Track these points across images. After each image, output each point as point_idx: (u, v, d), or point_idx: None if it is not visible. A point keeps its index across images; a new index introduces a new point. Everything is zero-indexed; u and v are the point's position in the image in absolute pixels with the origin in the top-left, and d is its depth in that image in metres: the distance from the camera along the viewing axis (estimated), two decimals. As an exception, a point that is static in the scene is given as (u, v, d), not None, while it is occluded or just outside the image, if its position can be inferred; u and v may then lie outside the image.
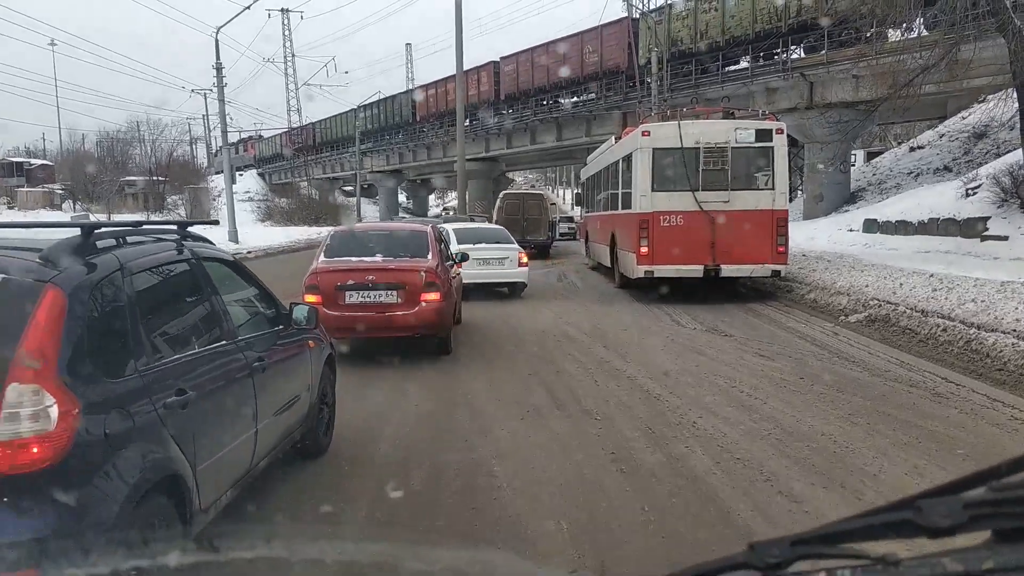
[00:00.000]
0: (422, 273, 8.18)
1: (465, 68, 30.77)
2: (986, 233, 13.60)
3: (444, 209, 56.81)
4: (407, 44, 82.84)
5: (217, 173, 61.93)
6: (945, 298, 9.34)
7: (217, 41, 33.64)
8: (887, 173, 25.20)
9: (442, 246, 9.81)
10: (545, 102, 39.02)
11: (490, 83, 41.69)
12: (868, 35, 18.38)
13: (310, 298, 7.65)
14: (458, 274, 10.72)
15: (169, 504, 2.81)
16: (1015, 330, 7.64)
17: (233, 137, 55.11)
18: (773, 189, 12.73)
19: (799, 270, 13.90)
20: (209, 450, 3.19)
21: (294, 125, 71.34)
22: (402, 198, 67.59)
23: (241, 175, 66.89)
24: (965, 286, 9.51)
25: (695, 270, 12.76)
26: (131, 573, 0.92)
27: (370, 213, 58.03)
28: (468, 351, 8.92)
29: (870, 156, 32.89)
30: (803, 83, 24.63)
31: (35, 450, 2.36)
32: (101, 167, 57.16)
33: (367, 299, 8.10)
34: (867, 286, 11.30)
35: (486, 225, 18.94)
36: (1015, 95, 13.77)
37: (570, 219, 39.36)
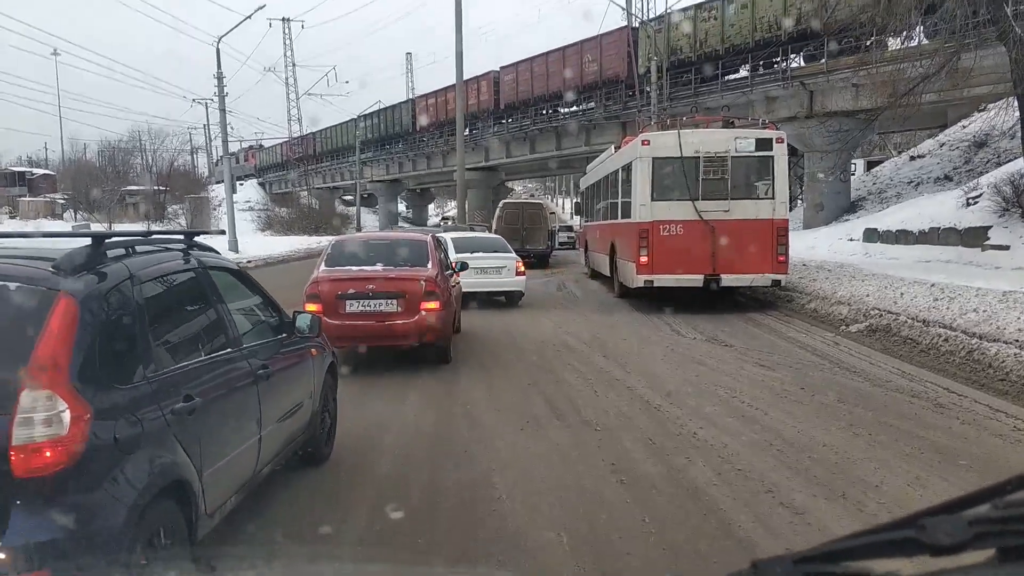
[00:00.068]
0: (422, 282, 8.20)
1: (465, 78, 30.85)
2: (987, 242, 13.57)
3: (443, 218, 56.82)
4: (407, 54, 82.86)
5: (218, 183, 62.05)
6: (947, 308, 9.30)
7: (218, 51, 33.64)
8: (887, 182, 25.22)
9: (442, 255, 9.83)
10: (544, 111, 39.11)
11: (490, 92, 41.78)
12: (868, 44, 18.44)
13: (311, 307, 7.69)
14: (458, 283, 10.74)
15: (175, 508, 2.86)
16: (1018, 340, 7.60)
17: (234, 147, 55.39)
18: (773, 198, 12.73)
19: (799, 279, 13.87)
20: (215, 456, 3.25)
21: (295, 135, 71.63)
22: (402, 207, 67.71)
23: (242, 184, 67.04)
24: (967, 296, 9.49)
25: (695, 279, 12.74)
26: None
27: (370, 222, 58.11)
28: (468, 360, 8.91)
29: (870, 165, 32.90)
30: (803, 92, 24.70)
31: (48, 454, 2.42)
32: (102, 177, 57.32)
33: (367, 308, 8.12)
34: (868, 296, 11.28)
35: (484, 234, 18.98)
36: (1016, 103, 13.81)
37: (569, 228, 39.42)
